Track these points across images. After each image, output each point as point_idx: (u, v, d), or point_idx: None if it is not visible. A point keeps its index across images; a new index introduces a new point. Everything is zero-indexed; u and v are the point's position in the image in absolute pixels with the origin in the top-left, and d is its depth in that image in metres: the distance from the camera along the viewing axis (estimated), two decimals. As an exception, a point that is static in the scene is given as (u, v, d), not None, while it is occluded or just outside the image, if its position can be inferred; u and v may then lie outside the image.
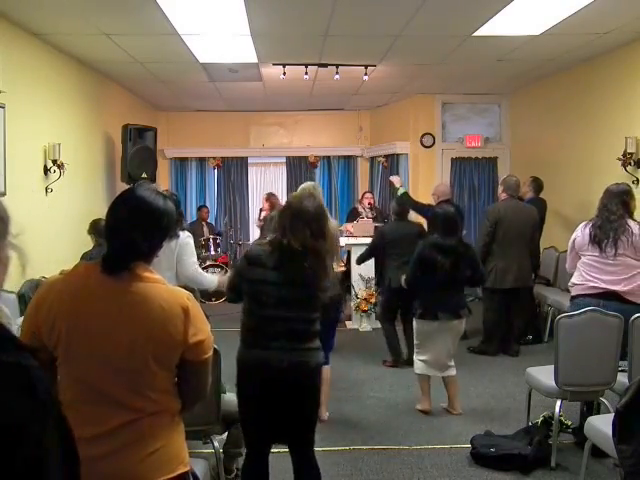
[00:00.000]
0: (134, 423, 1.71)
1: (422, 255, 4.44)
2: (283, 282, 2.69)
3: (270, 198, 7.92)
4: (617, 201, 4.05)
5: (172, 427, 1.80)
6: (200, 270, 3.96)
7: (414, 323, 4.56)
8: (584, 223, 4.22)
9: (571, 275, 4.33)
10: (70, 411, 1.73)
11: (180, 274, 3.75)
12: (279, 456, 3.06)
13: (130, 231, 1.74)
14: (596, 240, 4.03)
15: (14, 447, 0.83)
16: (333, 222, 4.02)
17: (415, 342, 4.60)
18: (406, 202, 6.46)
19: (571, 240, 4.27)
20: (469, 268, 4.45)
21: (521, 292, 6.02)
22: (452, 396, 4.55)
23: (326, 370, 4.30)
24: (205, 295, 7.57)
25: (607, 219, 4.03)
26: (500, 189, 6.25)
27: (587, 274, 4.09)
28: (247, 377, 2.77)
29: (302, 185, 4.36)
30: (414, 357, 4.61)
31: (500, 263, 5.86)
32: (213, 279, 4.04)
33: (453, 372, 4.53)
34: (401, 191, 7.50)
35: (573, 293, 4.22)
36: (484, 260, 5.89)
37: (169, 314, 1.73)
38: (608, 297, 3.95)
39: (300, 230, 2.68)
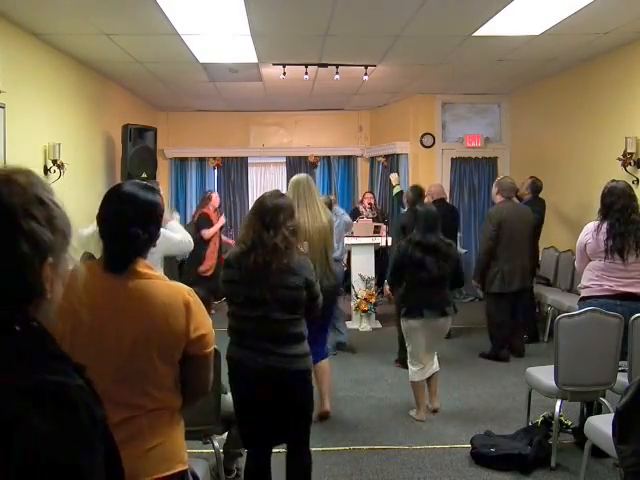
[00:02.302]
0: (133, 419, 1.72)
1: (406, 254, 4.39)
2: (246, 281, 2.72)
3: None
4: (628, 201, 3.98)
5: (172, 424, 1.81)
6: (183, 238, 4.10)
7: (402, 323, 4.52)
8: (593, 226, 4.08)
9: (580, 276, 4.27)
10: None
11: (176, 254, 4.13)
12: (278, 455, 3.05)
13: (129, 225, 1.75)
14: (617, 249, 3.93)
15: (52, 464, 0.84)
16: (325, 219, 4.05)
17: (408, 347, 4.53)
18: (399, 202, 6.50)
19: (581, 243, 4.15)
20: (451, 267, 4.43)
21: (523, 293, 5.99)
22: (432, 392, 4.55)
23: (325, 364, 4.37)
24: (207, 298, 7.57)
25: (624, 222, 3.94)
26: (495, 191, 6.09)
27: (601, 277, 4.01)
28: (232, 375, 2.82)
29: (295, 176, 4.29)
30: (409, 364, 4.53)
31: (506, 266, 5.76)
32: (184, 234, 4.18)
33: (436, 369, 4.52)
34: (397, 190, 7.52)
35: (585, 294, 4.11)
36: (488, 264, 5.84)
37: (171, 309, 1.74)
38: (624, 298, 3.90)
39: (252, 225, 2.75)
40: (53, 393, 0.88)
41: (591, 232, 4.08)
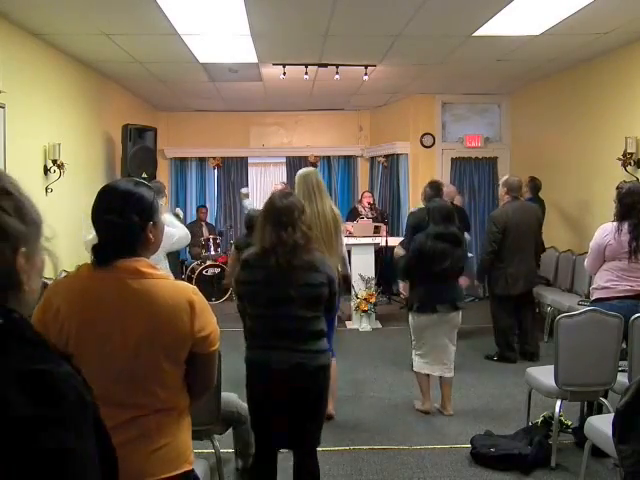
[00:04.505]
0: (140, 419, 1.72)
1: (424, 247, 4.35)
2: (269, 280, 2.72)
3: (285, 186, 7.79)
4: None
5: (179, 424, 1.81)
6: (181, 233, 4.54)
7: (409, 318, 4.52)
8: (612, 227, 4.04)
9: (584, 275, 4.24)
10: None
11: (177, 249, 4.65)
12: (279, 456, 3.04)
13: (105, 214, 1.75)
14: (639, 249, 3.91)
15: (27, 455, 0.83)
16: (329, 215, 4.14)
17: (412, 338, 4.56)
18: None
19: (600, 245, 4.10)
20: (462, 259, 4.47)
21: (529, 295, 5.93)
22: (445, 396, 4.53)
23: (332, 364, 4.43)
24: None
25: None
26: (503, 190, 5.96)
27: (621, 278, 3.98)
28: (252, 378, 2.81)
29: (302, 170, 4.37)
30: (412, 354, 4.57)
31: (510, 269, 5.67)
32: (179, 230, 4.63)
33: (451, 374, 4.49)
34: None
35: (602, 295, 4.06)
36: (491, 267, 5.75)
37: (176, 309, 1.74)
38: None
39: (268, 227, 2.75)
40: (38, 381, 0.87)
41: (612, 233, 4.02)
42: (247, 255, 2.85)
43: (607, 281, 4.06)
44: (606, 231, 4.09)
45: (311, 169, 4.42)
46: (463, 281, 5.44)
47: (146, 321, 1.72)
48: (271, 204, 2.82)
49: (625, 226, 3.97)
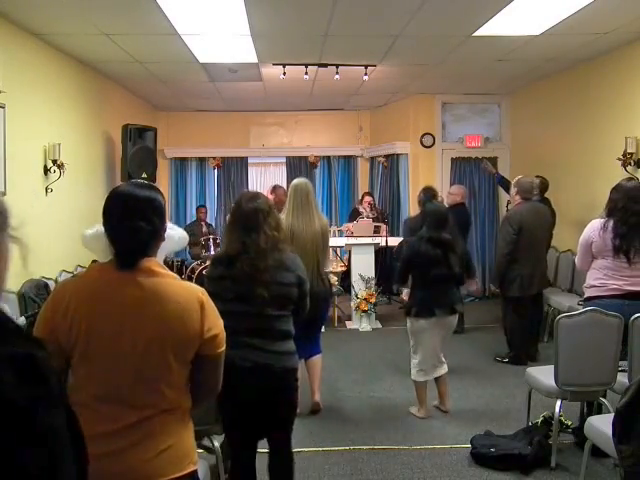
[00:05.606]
0: (146, 420, 1.72)
1: (416, 250, 4.35)
2: (237, 277, 2.70)
3: (276, 190, 7.79)
4: (630, 202, 3.90)
5: (183, 425, 1.82)
6: (181, 235, 4.26)
7: (408, 322, 4.48)
8: (599, 224, 4.02)
9: (583, 274, 4.23)
10: (85, 410, 1.74)
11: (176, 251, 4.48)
12: (259, 456, 3.00)
13: (130, 219, 1.76)
14: (622, 249, 3.88)
15: (22, 435, 0.85)
16: (317, 220, 4.23)
17: (411, 344, 4.52)
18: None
19: (585, 240, 4.09)
20: (459, 264, 4.40)
21: (540, 297, 5.89)
22: (443, 394, 4.55)
23: (318, 359, 4.57)
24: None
25: (624, 223, 3.88)
26: (514, 191, 5.85)
27: (608, 276, 3.97)
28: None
29: (295, 180, 4.53)
30: (411, 363, 4.51)
31: (525, 270, 5.59)
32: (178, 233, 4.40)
33: (445, 370, 4.51)
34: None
35: (591, 294, 4.06)
36: (507, 268, 5.64)
37: (186, 308, 1.75)
38: (631, 297, 3.86)
39: (235, 233, 2.76)
40: (25, 364, 0.89)
41: (597, 230, 4.01)
42: (218, 252, 2.86)
43: (595, 279, 4.05)
44: (593, 227, 4.08)
45: (302, 180, 4.47)
46: (474, 284, 5.29)
47: (158, 319, 1.73)
48: (237, 209, 2.81)
49: (610, 224, 3.96)
